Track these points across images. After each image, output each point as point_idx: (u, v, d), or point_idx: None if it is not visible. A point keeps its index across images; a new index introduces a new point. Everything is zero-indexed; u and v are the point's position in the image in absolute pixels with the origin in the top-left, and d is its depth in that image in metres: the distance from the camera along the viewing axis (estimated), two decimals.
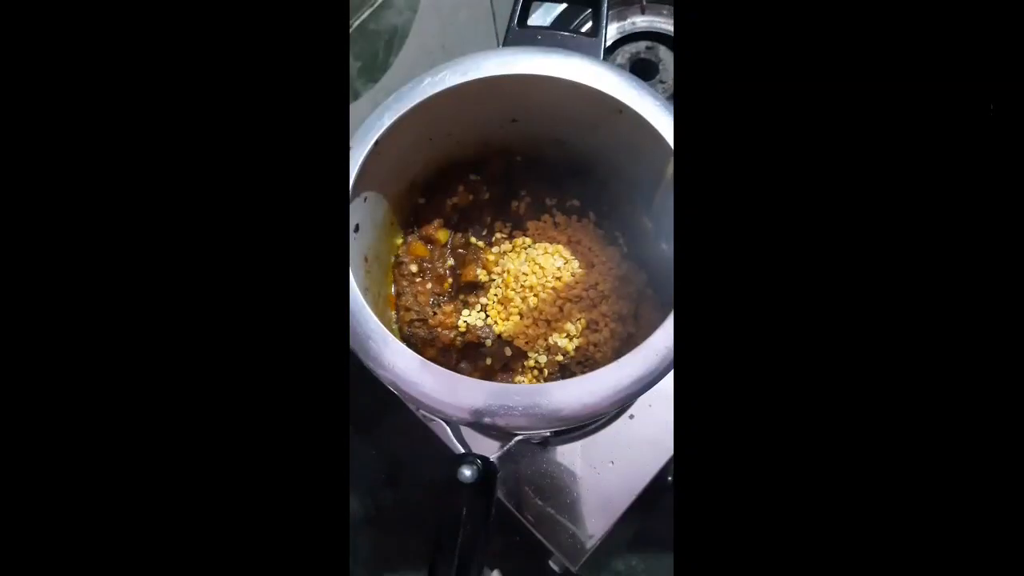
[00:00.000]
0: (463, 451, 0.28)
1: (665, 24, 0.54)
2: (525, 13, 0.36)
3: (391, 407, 0.50)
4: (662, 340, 0.28)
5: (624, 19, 0.55)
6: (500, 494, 0.44)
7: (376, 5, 0.43)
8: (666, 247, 0.37)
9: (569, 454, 0.45)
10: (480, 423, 0.28)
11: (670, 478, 0.46)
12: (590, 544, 0.44)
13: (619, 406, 0.29)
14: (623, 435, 0.45)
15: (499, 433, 0.40)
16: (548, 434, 0.40)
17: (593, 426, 0.45)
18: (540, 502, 0.44)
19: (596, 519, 0.44)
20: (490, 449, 0.31)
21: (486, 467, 0.28)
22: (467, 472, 0.26)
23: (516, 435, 0.30)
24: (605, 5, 0.35)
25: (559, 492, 0.44)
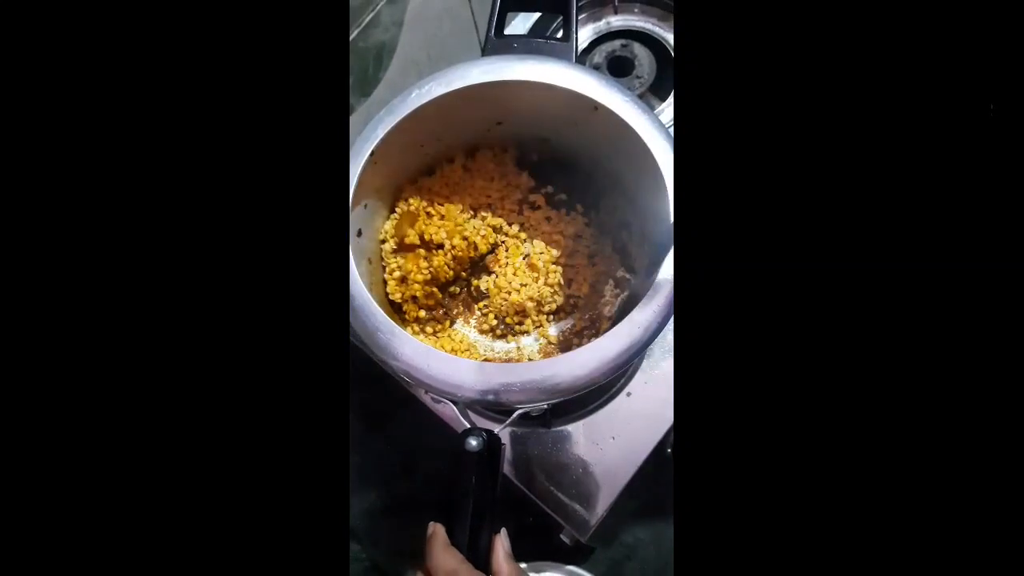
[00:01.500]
0: (469, 426, 0.31)
1: (638, 22, 0.57)
2: (501, 24, 0.39)
3: (401, 403, 0.53)
4: (643, 314, 0.31)
5: (599, 20, 0.58)
6: (511, 476, 0.47)
7: (363, 24, 0.46)
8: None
9: (572, 433, 0.48)
10: (484, 400, 0.31)
11: (669, 450, 0.49)
12: (596, 516, 0.46)
13: (609, 377, 0.31)
14: (622, 412, 0.48)
15: (502, 410, 0.43)
16: (546, 407, 0.43)
17: (593, 405, 0.48)
18: (548, 480, 0.47)
19: (601, 492, 0.47)
20: (495, 427, 0.34)
21: (491, 438, 0.30)
22: (473, 442, 0.29)
23: (517, 409, 0.32)
24: (574, 11, 0.38)
25: (565, 470, 0.47)
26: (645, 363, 0.49)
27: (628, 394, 0.48)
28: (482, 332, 0.43)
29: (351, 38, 0.46)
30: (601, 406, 0.48)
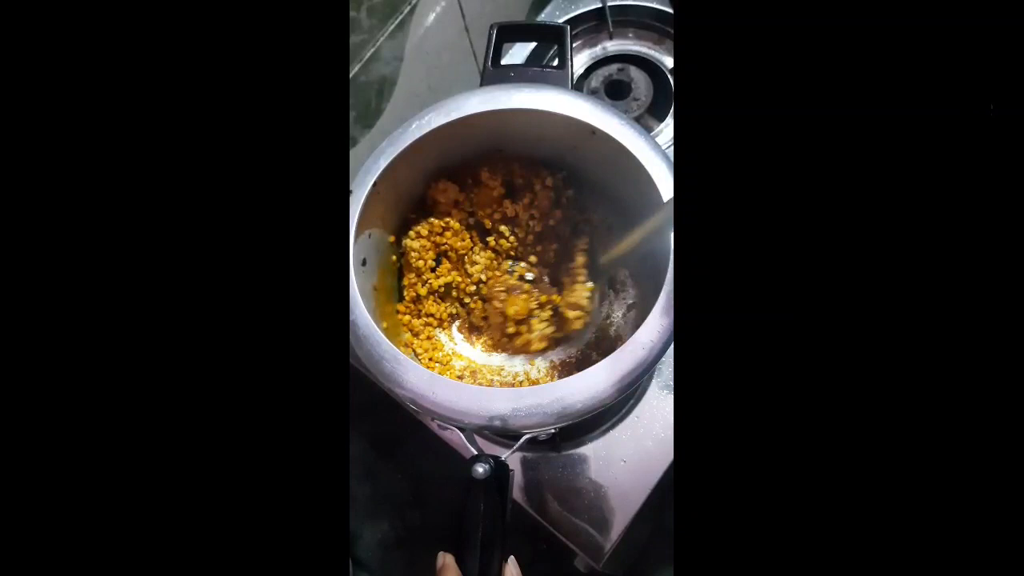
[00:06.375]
0: (476, 453, 0.31)
1: (633, 46, 0.58)
2: (498, 55, 0.40)
3: (411, 431, 0.53)
4: (646, 335, 0.31)
5: (595, 45, 0.59)
6: (523, 502, 0.46)
7: (365, 59, 0.47)
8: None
9: (582, 457, 0.47)
10: (491, 427, 0.31)
11: None
12: (610, 542, 0.45)
13: (617, 399, 0.31)
14: (631, 434, 0.47)
15: (509, 435, 0.43)
16: (554, 431, 0.42)
17: (603, 427, 0.47)
18: (560, 506, 0.46)
19: (614, 517, 0.46)
20: (503, 452, 0.34)
21: (498, 465, 0.30)
22: (480, 469, 0.29)
23: (524, 434, 0.32)
24: (569, 40, 0.39)
25: (577, 495, 0.46)
26: (653, 383, 0.48)
27: (637, 416, 0.48)
28: (486, 350, 0.43)
29: (353, 73, 0.47)
30: (611, 428, 0.47)
